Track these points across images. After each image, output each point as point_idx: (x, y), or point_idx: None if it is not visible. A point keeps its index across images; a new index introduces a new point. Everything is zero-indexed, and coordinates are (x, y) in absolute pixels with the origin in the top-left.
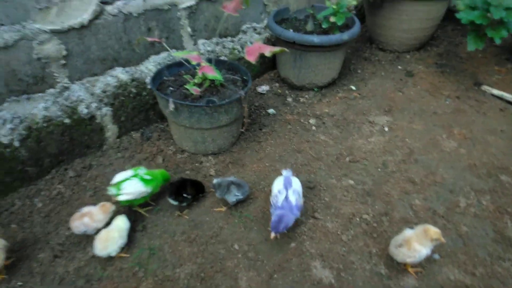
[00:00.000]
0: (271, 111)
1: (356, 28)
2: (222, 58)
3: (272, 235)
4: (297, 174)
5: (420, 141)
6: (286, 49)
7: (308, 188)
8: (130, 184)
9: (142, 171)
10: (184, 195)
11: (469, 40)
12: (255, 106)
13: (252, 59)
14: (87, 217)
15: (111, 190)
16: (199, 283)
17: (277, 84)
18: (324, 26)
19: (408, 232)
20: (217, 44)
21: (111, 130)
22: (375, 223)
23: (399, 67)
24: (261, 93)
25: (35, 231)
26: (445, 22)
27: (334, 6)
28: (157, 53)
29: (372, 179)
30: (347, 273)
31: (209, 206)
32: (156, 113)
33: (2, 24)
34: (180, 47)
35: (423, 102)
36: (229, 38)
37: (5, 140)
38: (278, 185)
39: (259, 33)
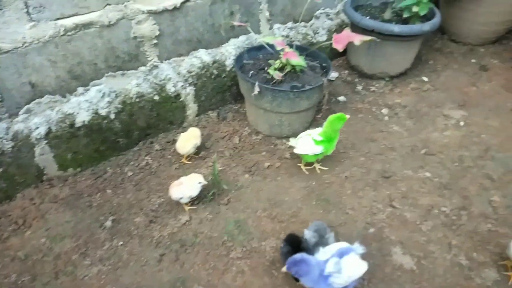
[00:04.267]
0: (341, 98)
1: (437, 19)
2: (296, 43)
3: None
4: (371, 162)
5: (496, 138)
6: (377, 39)
7: (384, 178)
8: (303, 141)
9: (316, 131)
10: None
11: None
12: None
13: (340, 47)
14: (183, 186)
15: (292, 142)
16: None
17: (346, 72)
18: (406, 15)
19: None
20: (291, 29)
21: (191, 109)
22: (454, 216)
23: (473, 60)
24: (330, 80)
25: (128, 197)
26: None
27: None
28: (236, 36)
29: (449, 173)
30: (428, 261)
31: (287, 186)
32: (231, 94)
33: (109, 4)
34: (257, 31)
35: (499, 99)
36: (302, 23)
37: (103, 112)
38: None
39: (331, 19)
